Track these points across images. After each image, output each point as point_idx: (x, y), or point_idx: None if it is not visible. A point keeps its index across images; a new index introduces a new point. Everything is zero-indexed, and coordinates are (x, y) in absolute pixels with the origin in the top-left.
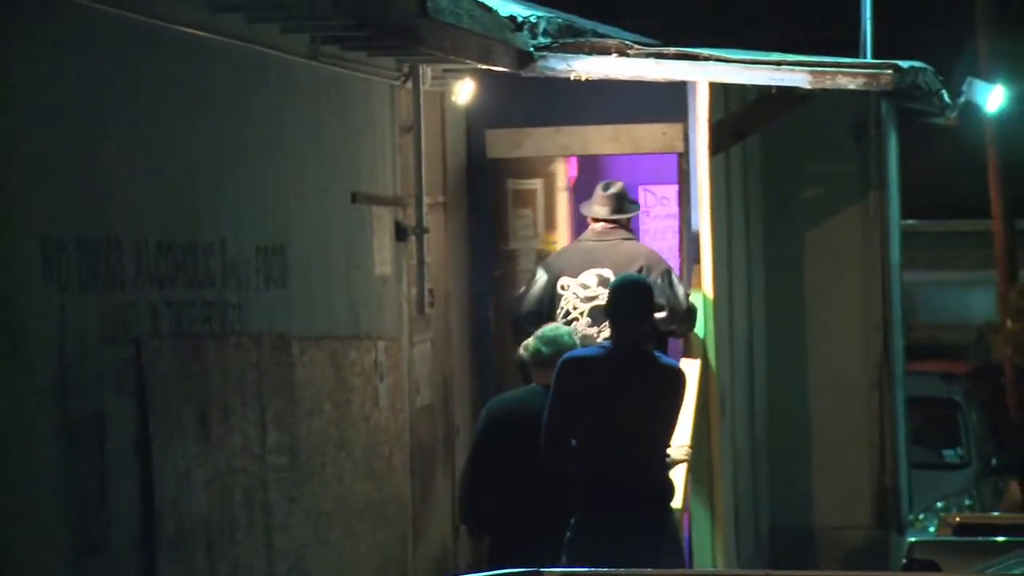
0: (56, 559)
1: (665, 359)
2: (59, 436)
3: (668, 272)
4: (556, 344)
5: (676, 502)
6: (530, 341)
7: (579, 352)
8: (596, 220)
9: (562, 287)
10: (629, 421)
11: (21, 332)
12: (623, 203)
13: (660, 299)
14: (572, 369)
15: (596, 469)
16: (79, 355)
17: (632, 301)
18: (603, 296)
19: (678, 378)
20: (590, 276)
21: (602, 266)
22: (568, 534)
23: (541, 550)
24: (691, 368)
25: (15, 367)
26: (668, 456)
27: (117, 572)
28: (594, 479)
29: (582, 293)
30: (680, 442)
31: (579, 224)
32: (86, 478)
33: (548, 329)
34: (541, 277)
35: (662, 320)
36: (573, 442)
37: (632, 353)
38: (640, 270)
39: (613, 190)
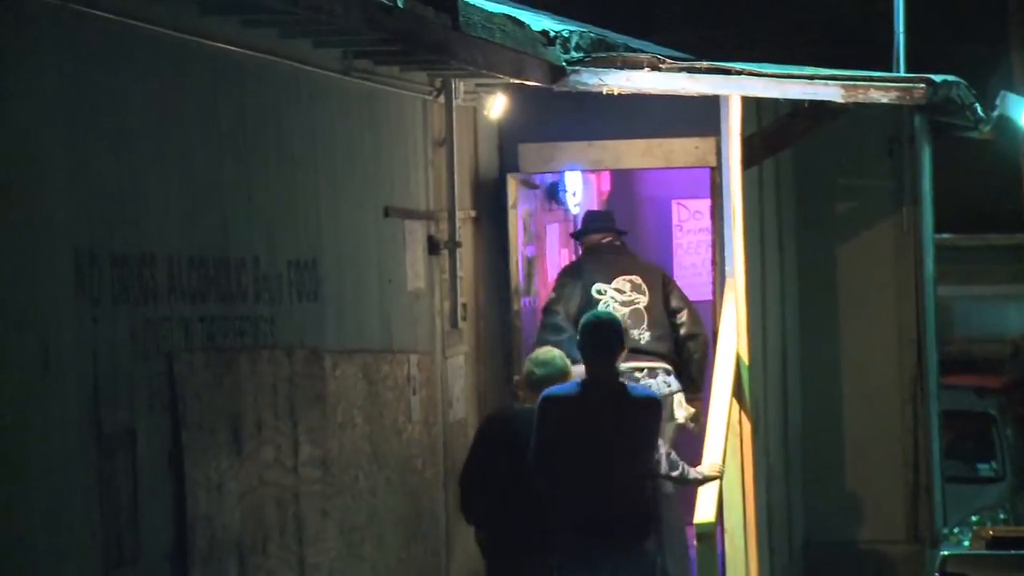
0: (88, 573)
1: (639, 390)
2: (92, 450)
3: (673, 279)
4: (549, 366)
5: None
6: (526, 362)
7: (556, 390)
8: (602, 238)
9: (598, 292)
10: (603, 456)
11: (54, 346)
12: (615, 220)
13: (680, 303)
14: (549, 407)
15: (571, 505)
16: (112, 369)
17: (607, 337)
18: (641, 301)
19: (654, 407)
20: (623, 283)
21: (631, 273)
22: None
23: (530, 559)
24: (723, 382)
25: (48, 381)
26: (651, 482)
27: None
28: (569, 514)
29: (619, 298)
30: (711, 460)
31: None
32: (118, 492)
33: (541, 352)
34: (573, 285)
35: (685, 323)
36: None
37: (607, 388)
38: (662, 277)
39: (604, 209)
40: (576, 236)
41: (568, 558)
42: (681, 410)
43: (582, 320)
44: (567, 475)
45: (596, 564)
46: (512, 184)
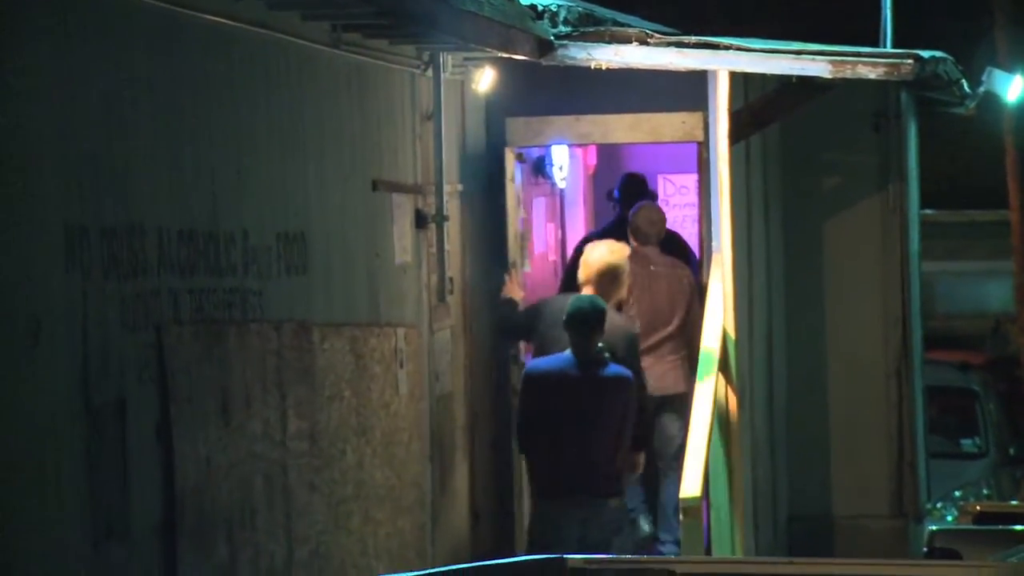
0: (77, 544)
1: (612, 369)
2: (81, 422)
3: None
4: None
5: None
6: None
7: (539, 364)
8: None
9: None
10: (577, 427)
11: (44, 319)
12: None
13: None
14: (532, 382)
15: (545, 471)
16: (101, 342)
17: (587, 320)
18: None
19: (623, 384)
20: None
21: None
22: (529, 521)
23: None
24: (709, 356)
25: (38, 354)
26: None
27: (138, 558)
28: (544, 480)
29: None
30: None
31: (599, 209)
32: (107, 464)
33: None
34: None
35: None
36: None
37: (584, 366)
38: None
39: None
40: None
41: (540, 520)
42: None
43: (569, 303)
44: (544, 444)
45: (566, 523)
46: (510, 157)
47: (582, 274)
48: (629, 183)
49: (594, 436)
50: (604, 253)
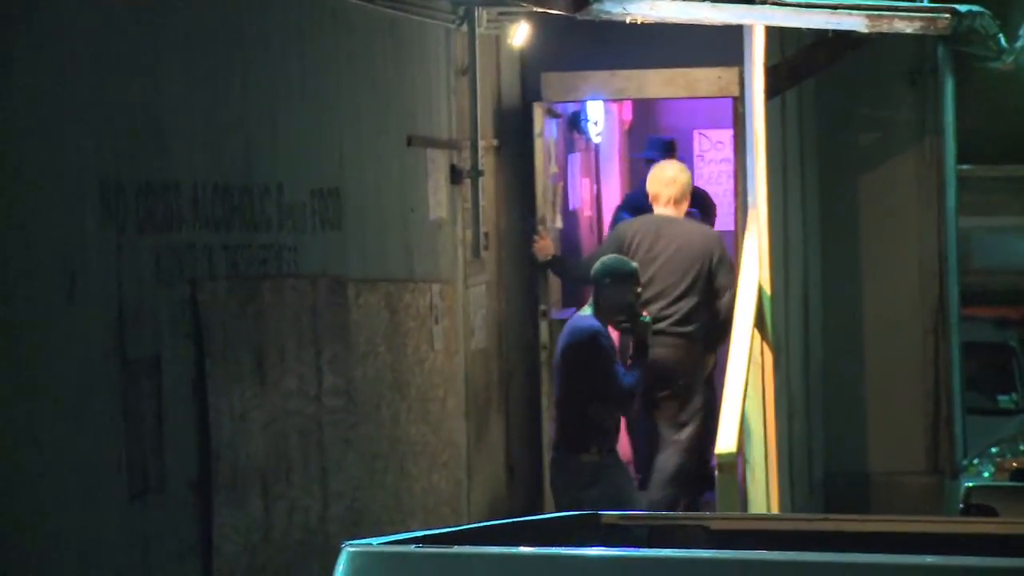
0: (113, 500)
1: (572, 322)
2: (116, 378)
3: None
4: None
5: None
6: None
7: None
8: None
9: None
10: (558, 383)
11: (79, 274)
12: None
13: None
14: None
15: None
16: (136, 297)
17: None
18: None
19: (584, 338)
20: None
21: None
22: None
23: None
24: (745, 312)
25: (73, 309)
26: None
27: (173, 513)
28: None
29: None
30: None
31: (633, 168)
32: (143, 419)
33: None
34: None
35: None
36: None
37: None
38: None
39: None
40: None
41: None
42: None
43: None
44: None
45: (550, 472)
46: (539, 113)
47: (657, 188)
48: (655, 145)
49: (565, 391)
50: (676, 171)
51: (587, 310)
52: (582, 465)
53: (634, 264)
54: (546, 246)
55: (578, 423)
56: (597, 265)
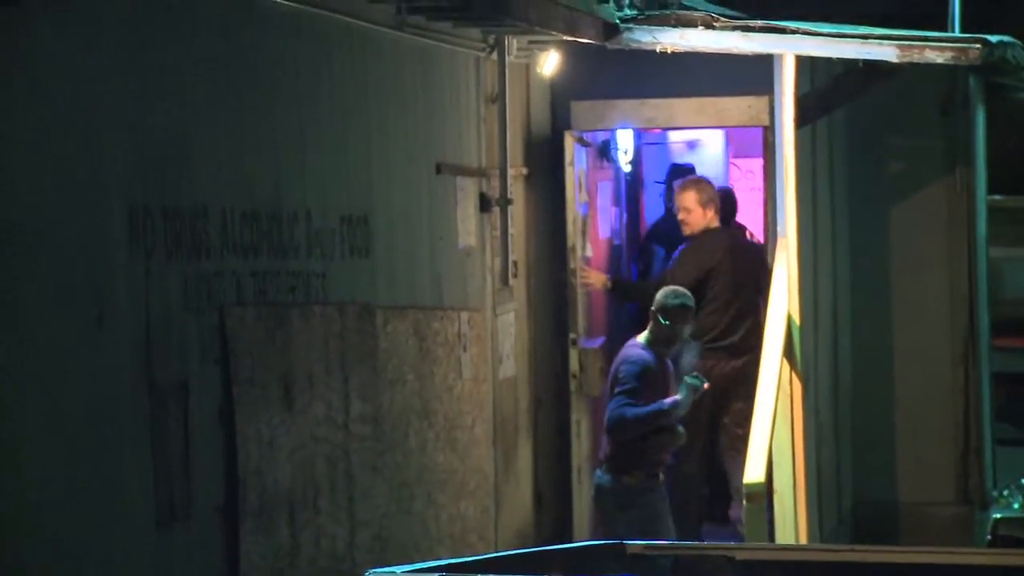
0: (140, 526)
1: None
2: (144, 404)
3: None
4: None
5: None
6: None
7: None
8: None
9: None
10: None
11: (107, 300)
12: None
13: None
14: None
15: None
16: (164, 323)
17: None
18: None
19: (617, 363)
20: None
21: None
22: None
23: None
24: (774, 341)
25: (101, 334)
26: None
27: (200, 539)
28: None
29: None
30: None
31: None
32: (170, 446)
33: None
34: None
35: None
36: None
37: None
38: None
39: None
40: None
41: None
42: None
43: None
44: None
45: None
46: (569, 141)
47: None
48: (675, 175)
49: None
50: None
51: (643, 338)
52: (623, 487)
53: (690, 299)
54: (596, 276)
55: (622, 446)
56: (659, 297)
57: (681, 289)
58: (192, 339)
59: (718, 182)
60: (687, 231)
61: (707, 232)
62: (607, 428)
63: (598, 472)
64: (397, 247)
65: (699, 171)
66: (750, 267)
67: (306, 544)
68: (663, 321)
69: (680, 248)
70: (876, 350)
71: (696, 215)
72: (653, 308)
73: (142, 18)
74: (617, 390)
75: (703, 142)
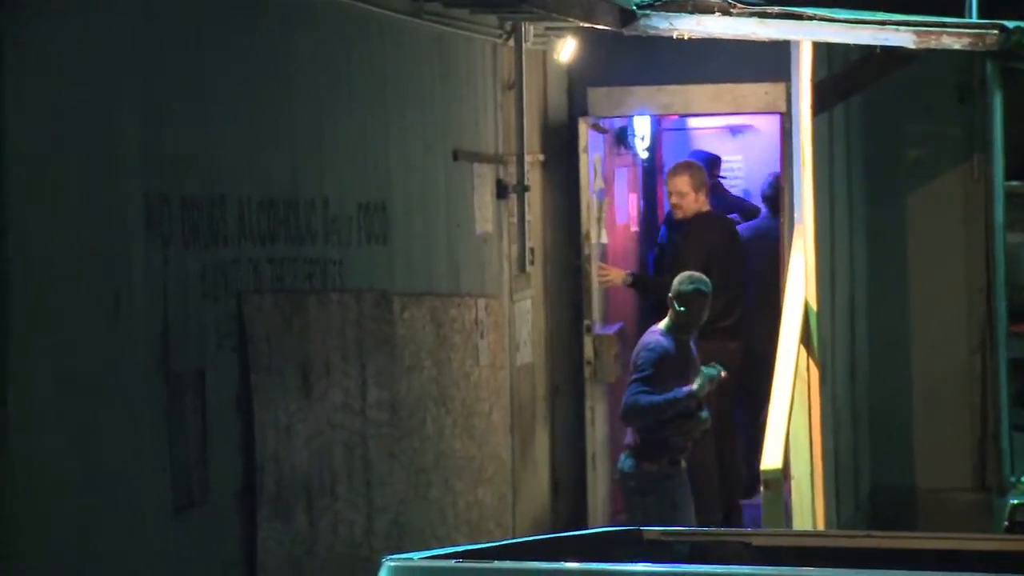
0: (157, 512)
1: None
2: (161, 391)
3: None
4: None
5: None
6: None
7: None
8: None
9: None
10: None
11: (124, 288)
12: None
13: None
14: None
15: None
16: (181, 311)
17: None
18: None
19: (639, 346)
20: None
21: None
22: None
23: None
24: (791, 328)
25: (119, 322)
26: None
27: (218, 526)
28: None
29: None
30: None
31: None
32: (188, 433)
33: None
34: None
35: None
36: None
37: None
38: None
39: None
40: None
41: None
42: None
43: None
44: None
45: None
46: (584, 128)
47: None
48: (700, 160)
49: None
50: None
51: (663, 324)
52: (643, 473)
53: (706, 284)
54: (615, 273)
55: (645, 433)
56: (674, 284)
57: (697, 275)
58: (209, 327)
59: (769, 169)
60: (679, 215)
61: (700, 216)
62: (621, 414)
63: (622, 457)
64: (414, 234)
65: (743, 160)
66: (741, 254)
67: (323, 530)
68: (679, 307)
69: (679, 234)
70: (893, 336)
71: (689, 199)
72: (670, 295)
73: (160, 5)
74: (633, 377)
75: (754, 128)
